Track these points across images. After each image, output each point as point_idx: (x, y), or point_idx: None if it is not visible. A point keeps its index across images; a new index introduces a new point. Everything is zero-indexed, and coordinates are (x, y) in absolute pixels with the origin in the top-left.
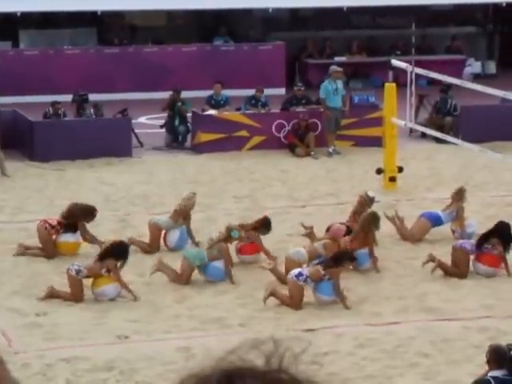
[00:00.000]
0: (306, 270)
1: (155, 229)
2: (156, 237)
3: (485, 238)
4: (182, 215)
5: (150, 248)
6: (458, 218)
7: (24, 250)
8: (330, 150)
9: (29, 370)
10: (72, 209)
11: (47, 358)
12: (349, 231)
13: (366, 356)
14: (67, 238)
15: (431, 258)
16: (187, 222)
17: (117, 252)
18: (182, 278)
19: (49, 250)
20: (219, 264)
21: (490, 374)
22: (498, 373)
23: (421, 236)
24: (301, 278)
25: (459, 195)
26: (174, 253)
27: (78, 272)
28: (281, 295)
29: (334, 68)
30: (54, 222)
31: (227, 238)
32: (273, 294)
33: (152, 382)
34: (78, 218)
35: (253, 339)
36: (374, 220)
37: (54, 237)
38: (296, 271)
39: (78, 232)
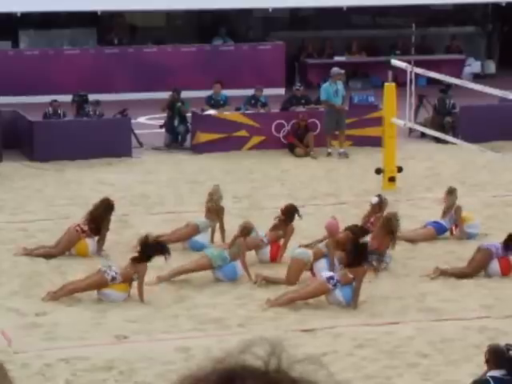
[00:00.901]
0: (336, 275)
1: (193, 230)
2: (185, 236)
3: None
4: (215, 212)
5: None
6: (457, 218)
7: (30, 252)
8: (330, 150)
9: (28, 370)
10: (94, 211)
11: (47, 357)
12: (365, 231)
13: (365, 356)
14: (88, 242)
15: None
16: (220, 218)
17: (147, 253)
18: (192, 269)
19: (62, 250)
20: (237, 264)
21: (488, 374)
22: (497, 373)
23: (424, 241)
24: (332, 281)
25: (451, 195)
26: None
27: (113, 279)
28: (282, 302)
29: (336, 70)
30: (86, 227)
31: (245, 235)
32: (274, 305)
33: (151, 382)
34: (102, 216)
35: (251, 340)
36: (395, 220)
37: (84, 240)
38: (328, 274)
39: (95, 239)
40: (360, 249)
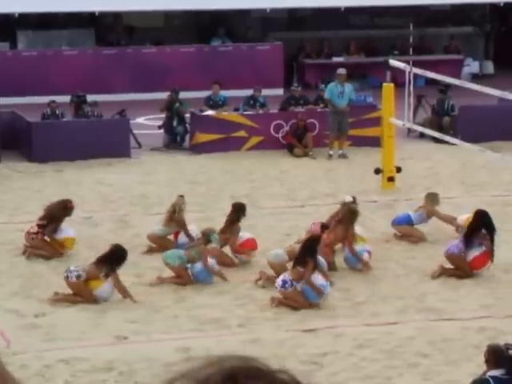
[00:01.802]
0: (287, 275)
1: (155, 238)
2: (163, 243)
3: (472, 233)
4: (174, 222)
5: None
6: (442, 220)
7: (32, 251)
8: (331, 152)
9: (27, 371)
10: (49, 210)
11: (46, 358)
12: (325, 227)
13: (365, 356)
14: (65, 234)
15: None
16: (184, 229)
17: (114, 258)
18: (183, 281)
19: (49, 250)
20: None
21: (488, 374)
22: (496, 372)
23: (419, 235)
24: (287, 285)
25: (427, 200)
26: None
27: (79, 277)
28: (289, 302)
29: (338, 70)
30: (35, 228)
31: (206, 242)
32: (281, 303)
33: (151, 382)
34: (59, 217)
35: (251, 341)
36: (353, 214)
37: (45, 238)
38: (280, 282)
39: (68, 227)
40: (308, 246)
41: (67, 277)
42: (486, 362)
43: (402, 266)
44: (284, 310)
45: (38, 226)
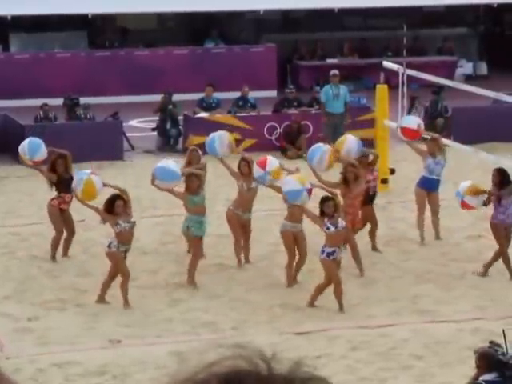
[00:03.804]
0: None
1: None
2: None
3: (501, 188)
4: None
5: None
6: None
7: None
8: None
9: (21, 375)
10: (54, 159)
11: (39, 362)
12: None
13: (359, 359)
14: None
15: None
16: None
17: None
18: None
19: (58, 225)
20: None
21: (481, 378)
22: (489, 376)
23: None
24: (322, 254)
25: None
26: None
27: (110, 244)
28: (315, 294)
29: (332, 72)
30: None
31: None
32: (312, 302)
33: None
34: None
35: (242, 343)
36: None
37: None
38: (320, 250)
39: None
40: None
41: (106, 248)
42: (478, 367)
43: (396, 268)
44: (278, 312)
45: (58, 197)
